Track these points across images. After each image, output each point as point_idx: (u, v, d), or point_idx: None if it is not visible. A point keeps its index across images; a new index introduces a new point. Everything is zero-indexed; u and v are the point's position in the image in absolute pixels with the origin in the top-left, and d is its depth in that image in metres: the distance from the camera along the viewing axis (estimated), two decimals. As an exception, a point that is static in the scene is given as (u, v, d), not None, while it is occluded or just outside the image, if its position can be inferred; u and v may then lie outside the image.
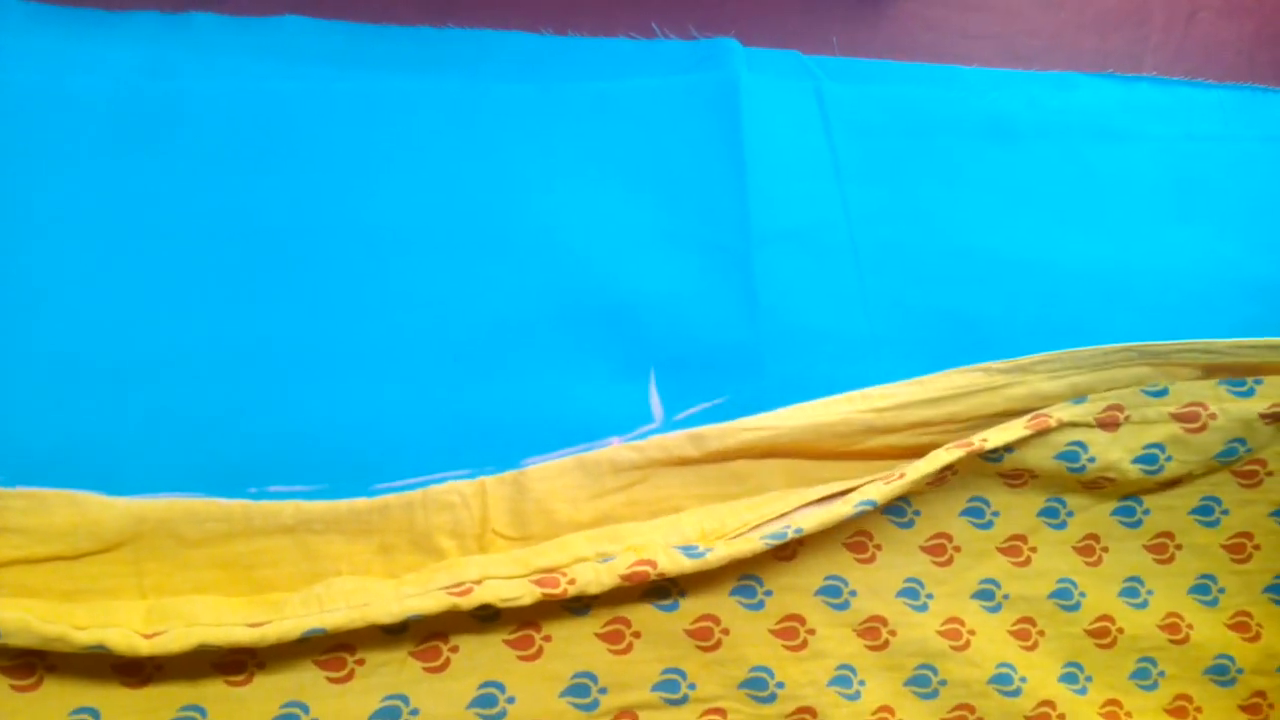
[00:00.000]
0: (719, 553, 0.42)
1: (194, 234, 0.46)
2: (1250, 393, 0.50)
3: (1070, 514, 0.53)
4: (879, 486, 0.45)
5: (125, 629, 0.37)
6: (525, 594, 0.40)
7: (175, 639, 0.36)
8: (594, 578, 0.42)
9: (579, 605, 0.46)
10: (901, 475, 0.46)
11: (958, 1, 0.62)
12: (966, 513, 0.51)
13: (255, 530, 0.42)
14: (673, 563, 0.42)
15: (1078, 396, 0.50)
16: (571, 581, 0.41)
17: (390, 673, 0.42)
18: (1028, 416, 0.48)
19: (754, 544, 0.43)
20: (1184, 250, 0.61)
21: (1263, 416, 0.49)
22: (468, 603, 0.39)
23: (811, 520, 0.44)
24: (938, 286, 0.56)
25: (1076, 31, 0.64)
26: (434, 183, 0.50)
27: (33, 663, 0.39)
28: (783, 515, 0.45)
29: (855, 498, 0.45)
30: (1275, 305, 0.61)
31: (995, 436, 0.47)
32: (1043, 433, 0.48)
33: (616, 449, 0.46)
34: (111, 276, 0.45)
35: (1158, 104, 0.63)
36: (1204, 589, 0.53)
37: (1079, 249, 0.59)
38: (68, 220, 0.45)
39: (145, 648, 0.36)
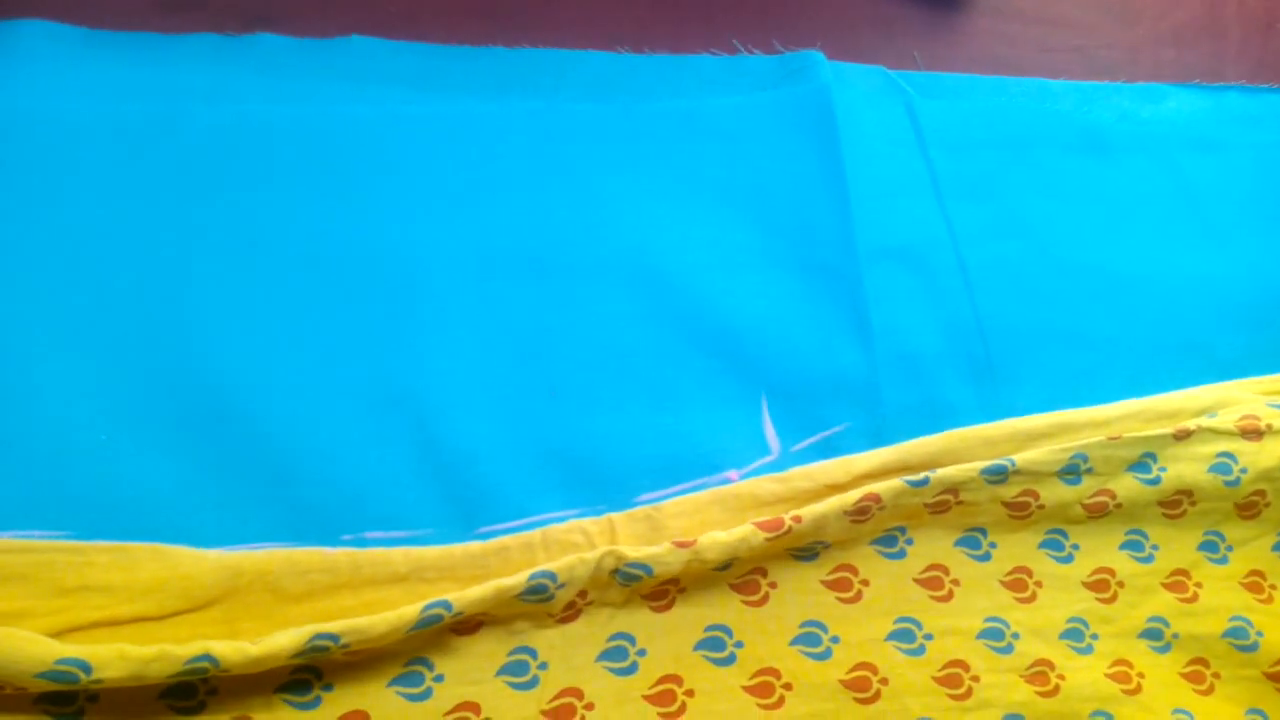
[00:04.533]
0: (854, 495, 0.47)
1: (268, 266, 0.47)
2: None
3: (1230, 548, 0.54)
4: (1023, 454, 0.50)
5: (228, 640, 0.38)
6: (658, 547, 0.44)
7: (286, 636, 0.38)
8: (722, 536, 0.45)
9: (723, 655, 0.46)
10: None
11: (1035, 16, 0.66)
12: (1125, 546, 0.52)
13: (364, 581, 0.42)
14: (811, 510, 0.46)
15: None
16: (797, 520, 0.45)
17: None
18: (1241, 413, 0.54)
19: (893, 482, 0.47)
20: (1294, 260, 0.64)
21: None
22: (594, 555, 0.43)
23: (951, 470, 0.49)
24: (1051, 305, 0.59)
25: (1155, 45, 0.69)
26: (522, 209, 0.52)
27: None
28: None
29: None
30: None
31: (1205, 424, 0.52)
32: (1182, 436, 0.52)
33: (757, 481, 0.47)
34: (182, 317, 0.46)
35: (1248, 112, 0.68)
36: None
37: (1188, 262, 0.63)
38: (136, 254, 0.46)
39: (255, 651, 0.37)
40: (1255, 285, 0.63)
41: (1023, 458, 0.50)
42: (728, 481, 0.50)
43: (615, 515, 0.46)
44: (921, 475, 0.48)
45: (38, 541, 0.40)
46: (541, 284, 0.51)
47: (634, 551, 0.43)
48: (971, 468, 0.49)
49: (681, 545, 0.44)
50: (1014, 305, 0.58)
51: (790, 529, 0.45)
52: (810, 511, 0.46)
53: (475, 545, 0.44)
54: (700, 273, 0.53)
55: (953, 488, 0.49)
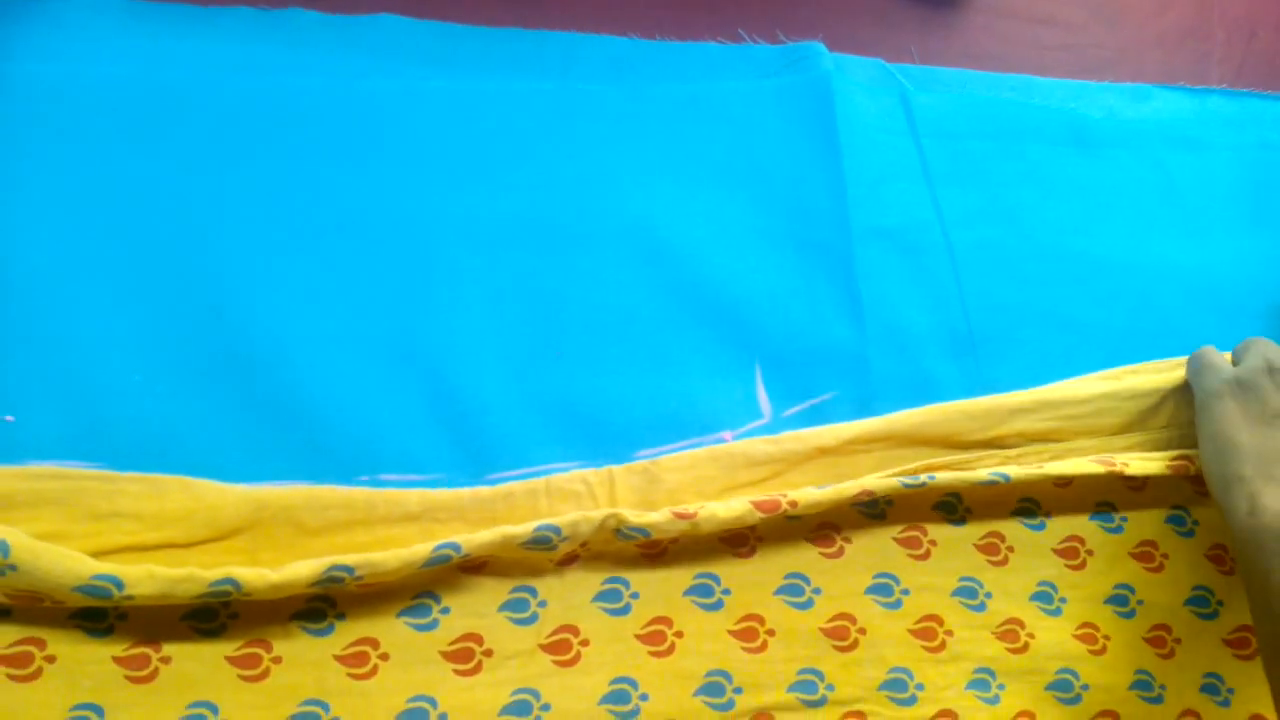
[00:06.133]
0: (848, 489, 0.47)
1: (295, 226, 0.49)
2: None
3: (1196, 523, 0.56)
4: (1014, 467, 0.50)
5: (250, 568, 0.39)
6: (657, 513, 0.45)
7: (305, 565, 0.40)
8: (721, 506, 0.46)
9: (711, 600, 0.47)
10: (1040, 467, 0.50)
11: (1027, 14, 0.68)
12: (1096, 517, 0.54)
13: (379, 518, 0.43)
14: (806, 496, 0.47)
15: None
16: (701, 507, 0.45)
17: (519, 666, 0.43)
18: (1172, 454, 0.54)
19: (890, 483, 0.48)
20: (1265, 254, 0.66)
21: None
22: (597, 514, 0.44)
23: (948, 472, 0.49)
24: (1033, 287, 0.60)
25: (1141, 47, 0.70)
26: (534, 181, 0.53)
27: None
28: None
29: (990, 467, 0.49)
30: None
31: (1138, 465, 0.52)
32: (1183, 475, 0.54)
33: (751, 442, 0.49)
34: (216, 271, 0.47)
35: (1230, 114, 0.69)
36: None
37: (1165, 252, 0.64)
38: (173, 212, 0.48)
39: (275, 578, 0.39)
40: (1229, 275, 0.65)
41: (1017, 473, 0.50)
42: (721, 441, 0.51)
43: (615, 468, 0.47)
44: (920, 478, 0.49)
45: (74, 470, 0.41)
46: (551, 252, 0.53)
47: (635, 517, 0.45)
48: (967, 479, 0.50)
49: (681, 516, 0.45)
50: (997, 286, 0.60)
51: (785, 511, 0.47)
52: (805, 497, 0.47)
53: (484, 490, 0.46)
54: (701, 246, 0.55)
55: (947, 487, 0.50)
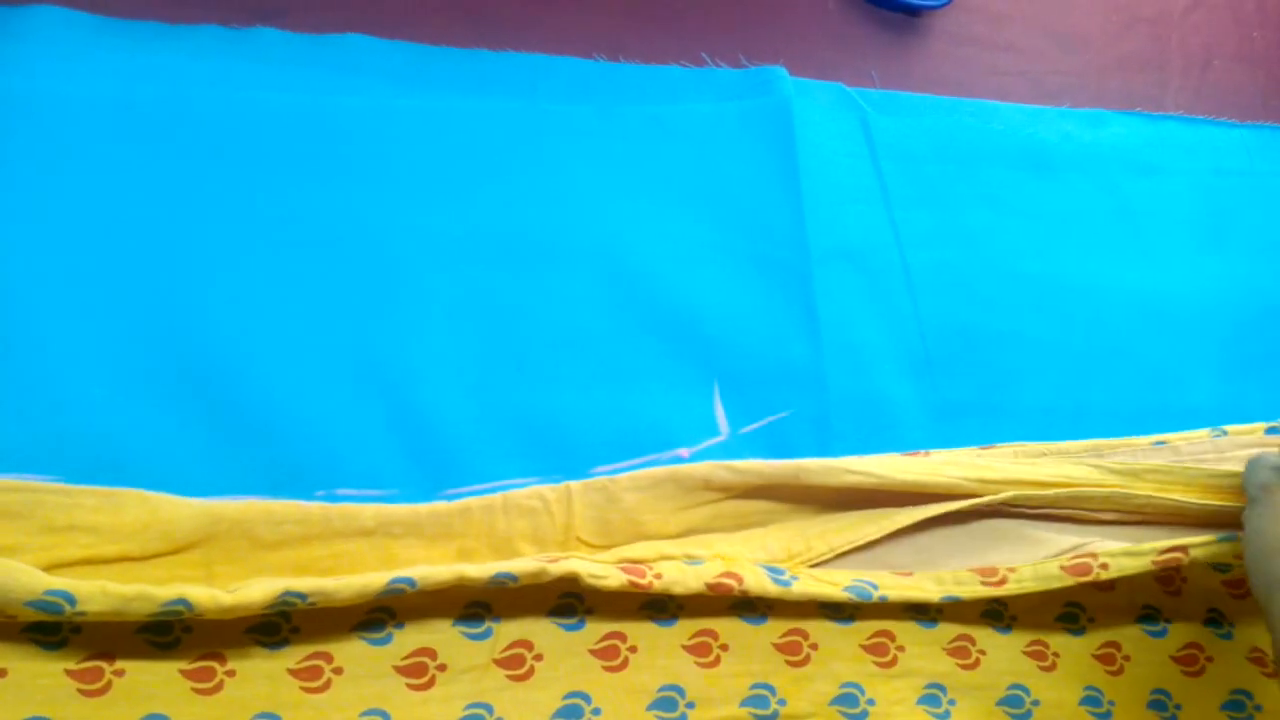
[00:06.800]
0: (804, 588, 0.46)
1: (258, 241, 0.49)
2: None
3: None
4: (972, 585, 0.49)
5: (204, 587, 0.39)
6: (612, 576, 0.43)
7: (258, 588, 0.39)
8: (680, 578, 0.44)
9: (665, 615, 0.47)
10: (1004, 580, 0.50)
11: (987, 40, 0.69)
12: None
13: (334, 533, 0.43)
14: (758, 584, 0.45)
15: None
16: (658, 576, 0.44)
17: (473, 680, 0.43)
18: (1162, 545, 0.50)
19: (836, 593, 0.47)
20: (1218, 278, 0.67)
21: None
22: (556, 569, 0.42)
23: (896, 591, 0.48)
24: (989, 308, 0.61)
25: (1099, 73, 0.71)
26: (499, 198, 0.54)
27: (100, 668, 0.39)
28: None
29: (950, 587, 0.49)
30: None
31: (1120, 565, 0.50)
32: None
33: (713, 468, 0.48)
34: (179, 285, 0.48)
35: (1185, 141, 0.70)
36: None
37: (1121, 275, 0.65)
38: (138, 225, 0.48)
39: (228, 600, 0.38)
40: (1183, 298, 0.66)
41: (970, 594, 0.49)
42: (679, 459, 0.51)
43: (573, 484, 0.47)
44: (884, 595, 0.48)
45: (31, 482, 0.41)
46: (513, 268, 0.53)
47: (592, 578, 0.43)
48: (919, 599, 0.49)
49: (638, 585, 0.44)
50: (954, 307, 0.60)
51: (739, 596, 0.46)
52: (764, 590, 0.46)
53: (441, 505, 0.46)
54: (662, 264, 0.55)
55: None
